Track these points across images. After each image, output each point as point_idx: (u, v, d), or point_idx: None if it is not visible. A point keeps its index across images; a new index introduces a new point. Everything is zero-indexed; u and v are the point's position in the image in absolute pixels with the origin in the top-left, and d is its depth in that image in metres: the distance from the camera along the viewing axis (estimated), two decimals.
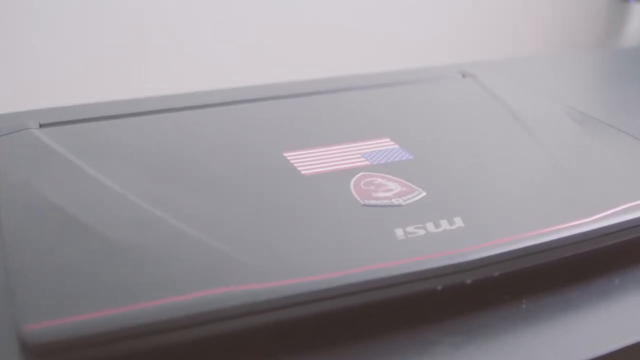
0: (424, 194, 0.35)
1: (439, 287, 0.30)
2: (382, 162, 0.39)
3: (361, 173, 0.38)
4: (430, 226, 0.32)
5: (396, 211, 0.34)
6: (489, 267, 0.30)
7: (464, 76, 0.54)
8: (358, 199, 0.35)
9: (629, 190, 0.36)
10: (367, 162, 0.39)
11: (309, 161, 0.39)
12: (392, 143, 0.41)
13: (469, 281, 0.30)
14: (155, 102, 0.48)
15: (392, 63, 0.80)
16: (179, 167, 0.38)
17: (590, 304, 0.32)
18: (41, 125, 0.43)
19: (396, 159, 0.39)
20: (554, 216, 0.33)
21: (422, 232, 0.32)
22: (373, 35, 0.81)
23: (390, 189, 0.36)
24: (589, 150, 0.41)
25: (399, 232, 0.32)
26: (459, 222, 0.33)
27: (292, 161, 0.39)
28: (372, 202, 0.35)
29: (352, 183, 0.36)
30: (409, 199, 0.35)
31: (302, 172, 0.38)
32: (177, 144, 0.41)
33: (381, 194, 0.35)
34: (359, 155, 0.40)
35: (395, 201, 0.35)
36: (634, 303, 0.33)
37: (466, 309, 0.31)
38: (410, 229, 0.32)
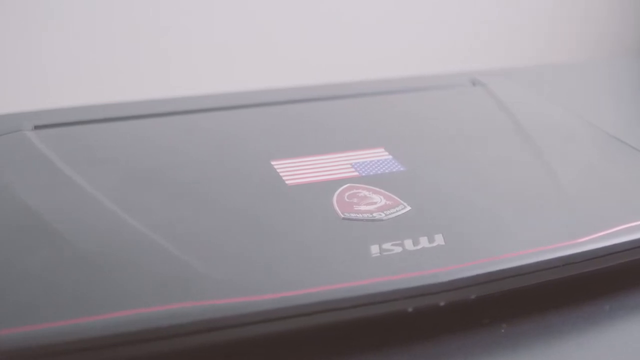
0: (408, 208, 0.34)
1: (410, 309, 0.28)
2: (371, 173, 0.38)
3: (347, 184, 0.36)
4: (408, 243, 0.31)
5: (376, 226, 0.33)
6: (464, 289, 0.29)
7: (474, 84, 0.52)
8: (338, 211, 0.34)
9: (627, 212, 0.34)
10: (355, 173, 0.38)
11: (295, 170, 0.38)
12: (386, 153, 0.40)
13: (442, 303, 0.29)
14: (152, 105, 0.48)
15: (409, 69, 0.78)
16: (165, 174, 0.37)
17: (576, 330, 0.31)
18: (35, 127, 0.43)
19: (387, 171, 0.38)
20: (542, 237, 0.32)
21: (398, 249, 0.31)
22: (392, 40, 0.80)
23: (373, 202, 0.35)
24: (594, 168, 0.39)
25: (374, 249, 0.31)
26: (439, 240, 0.31)
27: (278, 170, 0.38)
28: (352, 215, 0.33)
29: (335, 195, 0.35)
30: (392, 213, 0.34)
31: (287, 181, 0.37)
32: (168, 149, 0.41)
33: (363, 207, 0.34)
34: (349, 166, 0.39)
35: (376, 215, 0.33)
36: (624, 331, 0.31)
37: (440, 332, 0.30)
38: (386, 245, 0.31)
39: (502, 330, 0.30)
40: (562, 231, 0.32)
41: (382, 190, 0.36)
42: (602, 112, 0.55)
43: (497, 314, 0.31)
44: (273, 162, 0.39)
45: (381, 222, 0.33)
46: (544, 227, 0.33)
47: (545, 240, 0.31)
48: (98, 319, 0.26)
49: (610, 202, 0.35)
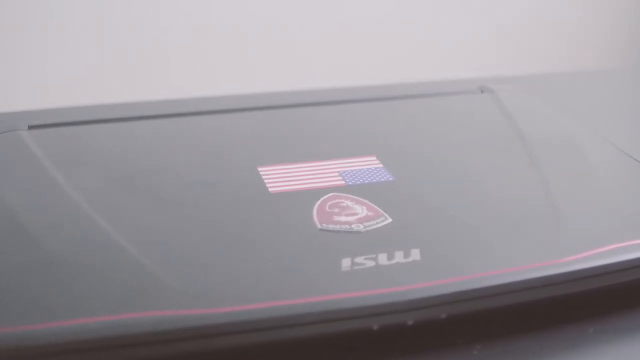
0: (389, 220, 0.33)
1: (375, 327, 0.27)
2: (358, 182, 0.37)
3: (331, 194, 0.36)
4: (382, 258, 0.30)
5: (353, 238, 0.32)
6: (434, 308, 0.28)
7: (482, 91, 0.51)
8: (317, 222, 0.33)
9: (619, 231, 0.32)
10: (342, 182, 0.37)
11: (281, 178, 0.37)
12: (377, 162, 0.39)
13: (410, 322, 0.28)
14: (148, 107, 0.47)
15: (426, 73, 0.77)
16: (152, 178, 0.37)
17: (557, 354, 0.29)
18: (30, 127, 0.43)
19: (375, 180, 0.37)
20: (524, 256, 0.30)
21: (371, 264, 0.30)
22: (407, 44, 0.78)
23: (355, 213, 0.34)
24: (593, 183, 0.38)
25: (346, 263, 0.30)
26: (415, 255, 0.30)
27: (264, 177, 0.37)
28: (331, 226, 0.32)
29: (317, 204, 0.34)
30: (371, 225, 0.33)
31: (270, 189, 0.36)
32: (159, 152, 0.40)
33: (343, 219, 0.33)
34: (337, 174, 0.38)
35: (355, 227, 0.32)
36: (609, 356, 0.29)
37: (410, 352, 0.29)
38: (359, 259, 0.30)
39: (475, 353, 0.29)
40: (547, 250, 0.31)
41: (365, 201, 0.35)
42: (617, 124, 0.53)
43: (472, 335, 0.29)
44: (260, 169, 0.38)
45: (359, 235, 0.32)
46: (528, 245, 0.31)
47: (527, 259, 0.30)
48: (55, 325, 0.26)
49: (604, 220, 0.34)
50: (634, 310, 0.31)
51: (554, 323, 0.30)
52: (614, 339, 0.30)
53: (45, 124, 0.43)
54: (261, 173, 0.37)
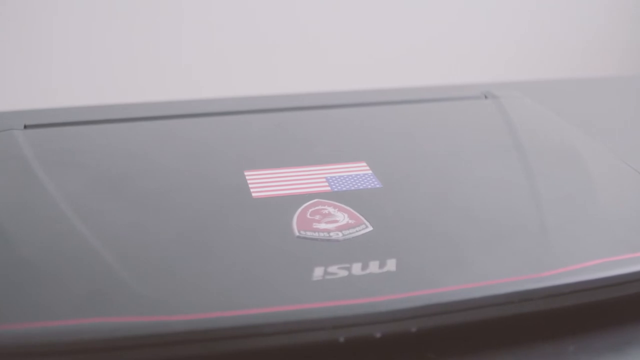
0: (369, 229, 0.32)
1: (341, 339, 0.27)
2: (343, 189, 0.36)
3: (315, 200, 0.35)
4: (356, 267, 0.29)
5: (329, 246, 0.31)
6: (402, 321, 0.27)
7: (486, 97, 0.50)
8: (295, 229, 0.32)
9: (605, 246, 0.31)
10: (327, 188, 0.36)
11: (266, 182, 0.37)
12: (367, 168, 0.38)
13: (378, 335, 0.27)
14: (145, 108, 0.47)
15: (429, 77, 0.76)
16: (137, 181, 0.37)
17: None
18: (26, 127, 0.43)
19: (361, 187, 0.36)
20: (503, 269, 0.29)
21: (344, 273, 0.29)
22: (420, 50, 0.77)
23: (335, 220, 0.33)
24: (587, 195, 0.36)
25: (318, 272, 0.29)
26: (390, 265, 0.30)
27: (249, 181, 0.37)
28: (308, 234, 0.32)
29: (298, 211, 0.34)
30: (350, 233, 0.32)
31: (253, 194, 0.35)
32: (148, 154, 0.40)
33: (322, 226, 0.33)
34: (323, 180, 0.37)
35: (333, 235, 0.32)
36: None
37: None
38: (332, 268, 0.29)
39: None
40: (527, 263, 0.30)
41: (348, 208, 0.34)
42: (622, 132, 0.51)
43: (445, 349, 0.28)
44: (246, 173, 0.38)
45: (336, 243, 0.31)
46: (509, 258, 0.30)
47: (504, 272, 0.29)
48: (13, 327, 0.26)
49: (592, 234, 0.32)
50: (616, 328, 0.30)
51: (531, 339, 0.29)
52: (594, 357, 0.29)
53: (40, 123, 0.44)
54: (247, 177, 0.37)
